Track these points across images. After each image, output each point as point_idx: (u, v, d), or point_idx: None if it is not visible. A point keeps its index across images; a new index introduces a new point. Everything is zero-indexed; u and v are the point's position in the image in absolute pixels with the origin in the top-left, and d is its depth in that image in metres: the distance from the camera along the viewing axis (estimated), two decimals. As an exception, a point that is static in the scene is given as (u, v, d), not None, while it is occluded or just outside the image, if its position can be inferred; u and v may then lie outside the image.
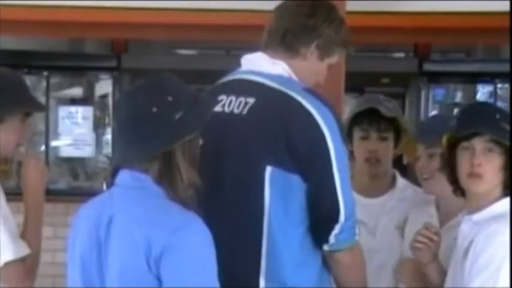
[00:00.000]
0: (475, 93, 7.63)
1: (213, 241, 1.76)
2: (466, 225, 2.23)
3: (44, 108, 2.12)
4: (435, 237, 2.32)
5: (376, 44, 7.40)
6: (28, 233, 2.30)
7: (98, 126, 7.34)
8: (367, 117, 2.68)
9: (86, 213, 1.90)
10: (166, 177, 1.80)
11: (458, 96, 7.72)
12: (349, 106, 4.61)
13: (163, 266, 1.70)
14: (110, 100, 7.26)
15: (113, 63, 7.15)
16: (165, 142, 1.79)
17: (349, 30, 2.30)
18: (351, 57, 3.84)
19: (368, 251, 2.58)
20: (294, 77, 2.17)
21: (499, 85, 7.20)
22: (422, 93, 7.09)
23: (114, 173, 1.87)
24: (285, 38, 2.19)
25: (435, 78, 7.14)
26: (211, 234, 1.76)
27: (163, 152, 1.80)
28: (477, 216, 2.20)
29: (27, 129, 2.36)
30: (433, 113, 7.49)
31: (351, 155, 2.74)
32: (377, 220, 2.71)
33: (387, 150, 2.72)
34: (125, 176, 1.85)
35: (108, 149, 7.28)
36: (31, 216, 2.30)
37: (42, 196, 2.35)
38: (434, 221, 2.53)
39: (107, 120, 7.41)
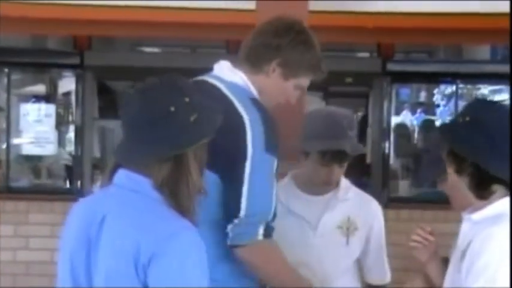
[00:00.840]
0: (437, 93, 7.74)
1: (205, 251, 1.74)
2: (466, 225, 2.19)
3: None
4: (430, 237, 2.33)
5: (340, 44, 7.41)
6: None
7: (61, 123, 7.26)
8: (331, 154, 2.66)
9: (79, 210, 1.84)
10: (174, 182, 1.75)
11: (422, 96, 7.81)
12: (313, 105, 4.64)
13: (150, 273, 1.66)
14: (72, 97, 7.18)
15: (75, 61, 7.05)
16: (183, 143, 1.74)
17: (317, 45, 2.37)
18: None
19: (309, 246, 2.70)
20: (251, 87, 2.31)
21: (460, 85, 7.31)
22: (386, 93, 7.10)
23: (113, 171, 1.82)
24: (249, 55, 2.35)
25: (399, 78, 7.17)
26: (203, 244, 1.74)
27: (176, 155, 1.75)
28: (476, 216, 2.15)
29: None
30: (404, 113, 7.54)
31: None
32: (319, 217, 2.74)
33: (342, 172, 2.75)
34: (122, 176, 1.79)
35: (70, 147, 7.21)
36: None
37: None
38: None
39: (69, 118, 7.33)
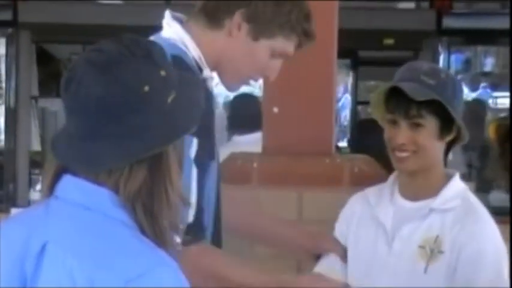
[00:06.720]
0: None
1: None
2: None
3: None
4: None
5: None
6: None
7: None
8: (395, 101, 2.72)
9: (10, 232, 1.81)
10: (148, 193, 1.74)
11: (489, 63, 7.90)
12: (340, 76, 4.57)
13: None
14: (2, 67, 7.52)
15: (7, 16, 7.40)
16: (166, 137, 1.74)
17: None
18: (343, 11, 3.88)
19: (380, 266, 2.80)
20: (188, 43, 2.41)
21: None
22: (441, 59, 7.24)
23: (56, 177, 1.77)
24: (205, 4, 2.45)
25: (458, 38, 7.35)
26: (186, 281, 1.71)
27: (152, 155, 1.73)
28: None
29: None
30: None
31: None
32: (398, 227, 2.76)
33: (423, 141, 2.68)
34: (70, 186, 1.76)
35: None
36: None
37: None
38: None
39: None
